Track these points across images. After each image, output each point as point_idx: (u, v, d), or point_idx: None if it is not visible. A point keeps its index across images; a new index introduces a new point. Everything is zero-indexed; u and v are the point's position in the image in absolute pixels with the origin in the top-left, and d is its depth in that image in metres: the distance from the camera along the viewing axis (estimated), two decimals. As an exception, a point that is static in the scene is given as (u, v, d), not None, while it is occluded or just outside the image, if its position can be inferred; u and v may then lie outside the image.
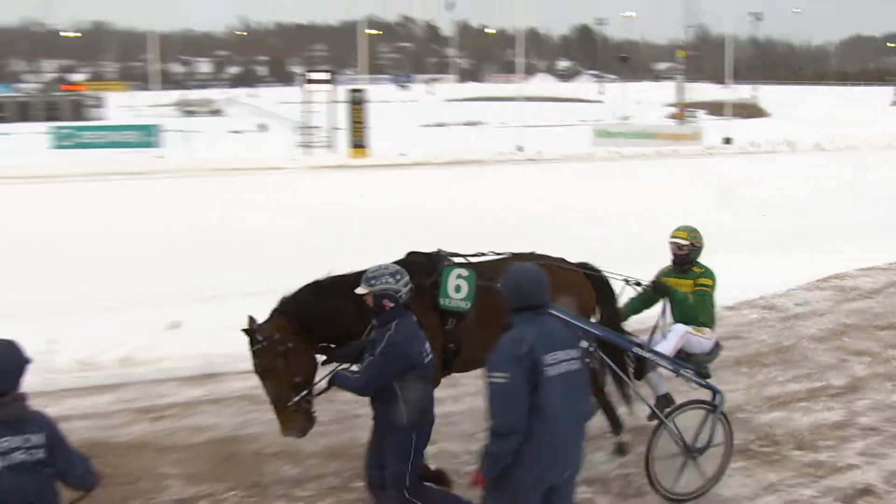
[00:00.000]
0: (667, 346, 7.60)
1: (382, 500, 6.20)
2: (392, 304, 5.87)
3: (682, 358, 7.59)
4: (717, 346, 8.04)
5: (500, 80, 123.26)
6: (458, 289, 6.81)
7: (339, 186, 29.53)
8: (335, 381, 6.11)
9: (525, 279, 5.28)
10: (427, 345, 6.00)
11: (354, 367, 6.20)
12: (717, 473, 7.16)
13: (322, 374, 6.58)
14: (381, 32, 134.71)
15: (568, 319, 6.48)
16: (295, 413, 6.47)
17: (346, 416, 8.87)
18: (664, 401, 7.91)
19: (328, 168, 36.90)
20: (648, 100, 79.20)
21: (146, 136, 47.40)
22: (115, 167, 36.85)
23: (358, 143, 41.03)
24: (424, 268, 6.93)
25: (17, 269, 15.02)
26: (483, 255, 7.45)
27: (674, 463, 7.01)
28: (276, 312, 6.63)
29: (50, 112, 71.71)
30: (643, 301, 8.25)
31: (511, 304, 5.26)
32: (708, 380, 7.35)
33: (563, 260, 7.74)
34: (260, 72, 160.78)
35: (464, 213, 20.28)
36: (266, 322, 6.53)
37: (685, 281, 7.96)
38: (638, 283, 7.97)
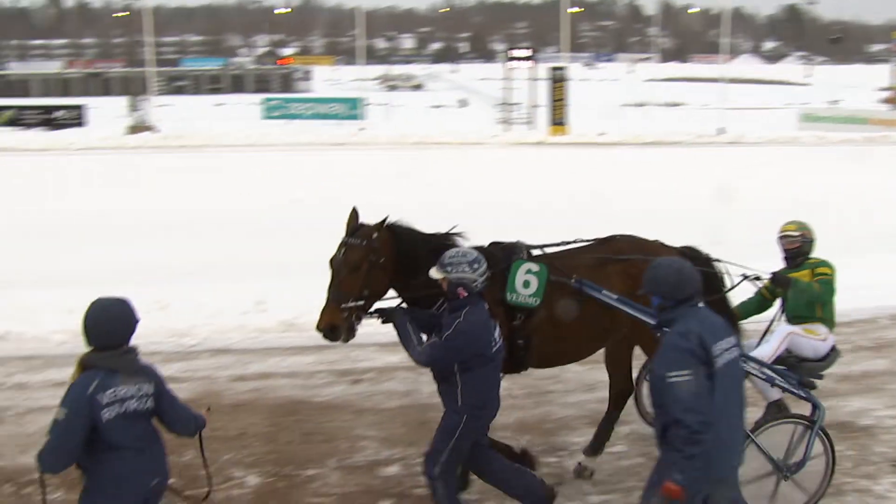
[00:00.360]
0: (765, 351, 7.07)
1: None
2: (466, 294, 5.81)
3: (792, 364, 7.07)
4: (833, 351, 7.32)
5: (702, 60, 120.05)
6: (526, 284, 6.51)
7: (538, 163, 29.54)
8: (399, 328, 6.03)
9: (675, 271, 5.15)
10: (497, 332, 5.92)
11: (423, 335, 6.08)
12: (814, 495, 6.53)
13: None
14: (582, 10, 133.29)
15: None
16: (342, 318, 6.27)
17: (538, 392, 8.98)
18: (775, 408, 7.28)
19: (527, 145, 37.00)
20: (860, 83, 75.46)
21: (350, 108, 48.52)
22: (321, 138, 38.07)
23: (558, 121, 40.82)
24: (497, 259, 6.61)
25: (228, 233, 15.77)
26: (567, 243, 7.10)
27: (765, 482, 6.41)
28: (387, 227, 6.44)
29: (261, 84, 75.26)
30: (758, 303, 7.80)
31: (666, 298, 5.12)
32: (811, 391, 6.74)
33: (661, 245, 7.14)
34: (461, 48, 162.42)
35: (655, 195, 19.98)
36: (373, 227, 6.37)
37: (801, 273, 7.39)
38: (757, 278, 7.43)
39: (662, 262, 5.29)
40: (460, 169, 26.85)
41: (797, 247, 7.54)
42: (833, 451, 6.50)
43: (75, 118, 45.90)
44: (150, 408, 4.92)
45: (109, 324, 4.85)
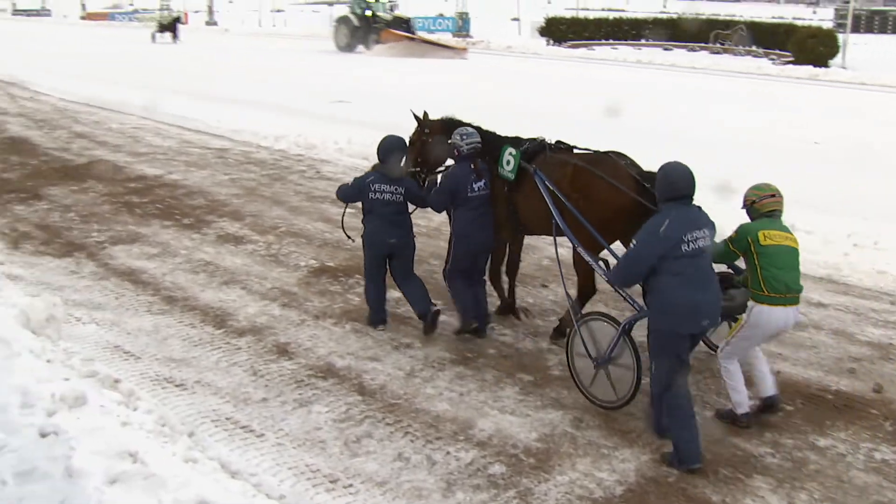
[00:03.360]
0: None
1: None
2: (458, 154, 8.23)
3: None
4: None
5: None
6: (507, 162, 8.22)
7: None
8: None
9: (675, 173, 6.06)
10: (477, 185, 8.20)
11: None
12: (624, 395, 6.75)
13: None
14: None
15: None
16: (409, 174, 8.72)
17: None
18: None
19: None
20: None
21: None
22: None
23: None
24: (501, 143, 8.41)
25: None
26: (586, 150, 8.10)
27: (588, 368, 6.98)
28: (441, 119, 8.85)
29: None
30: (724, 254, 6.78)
31: (662, 194, 6.09)
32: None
33: (631, 165, 7.73)
34: None
35: None
36: (430, 119, 8.87)
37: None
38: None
39: (663, 167, 6.20)
40: None
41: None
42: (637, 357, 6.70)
43: None
44: (399, 200, 8.31)
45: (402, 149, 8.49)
